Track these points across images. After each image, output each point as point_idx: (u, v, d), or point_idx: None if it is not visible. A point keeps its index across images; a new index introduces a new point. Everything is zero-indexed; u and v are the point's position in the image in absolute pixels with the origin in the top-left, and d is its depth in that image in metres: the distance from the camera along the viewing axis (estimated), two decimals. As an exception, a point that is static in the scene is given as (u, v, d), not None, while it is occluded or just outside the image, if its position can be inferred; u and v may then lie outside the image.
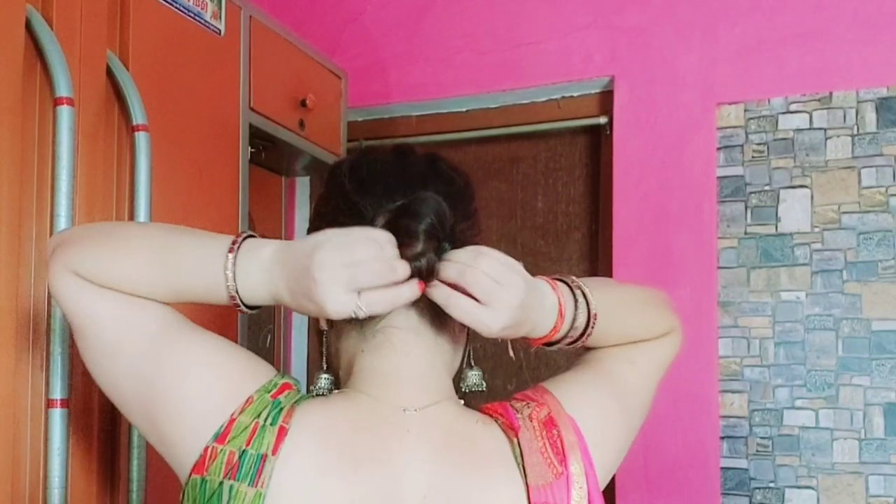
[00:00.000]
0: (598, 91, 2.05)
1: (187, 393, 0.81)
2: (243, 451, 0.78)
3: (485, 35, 2.09)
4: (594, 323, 0.89)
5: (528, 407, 0.89)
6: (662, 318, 1.03)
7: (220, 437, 0.79)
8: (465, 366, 0.94)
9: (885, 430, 1.70)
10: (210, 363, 0.83)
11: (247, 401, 0.81)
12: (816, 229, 1.78)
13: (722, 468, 1.81)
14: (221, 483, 0.77)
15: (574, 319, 0.88)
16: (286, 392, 0.83)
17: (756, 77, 1.84)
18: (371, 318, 0.85)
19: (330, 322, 0.90)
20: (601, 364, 0.97)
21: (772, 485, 1.77)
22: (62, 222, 1.11)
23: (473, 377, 0.94)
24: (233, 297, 0.81)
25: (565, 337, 0.89)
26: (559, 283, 0.90)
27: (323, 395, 0.90)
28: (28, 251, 1.10)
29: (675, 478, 1.83)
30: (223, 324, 0.90)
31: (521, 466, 0.83)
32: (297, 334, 2.26)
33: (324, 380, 0.91)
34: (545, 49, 2.04)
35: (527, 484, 0.81)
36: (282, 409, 0.81)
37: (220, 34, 1.51)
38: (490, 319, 0.80)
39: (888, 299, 1.72)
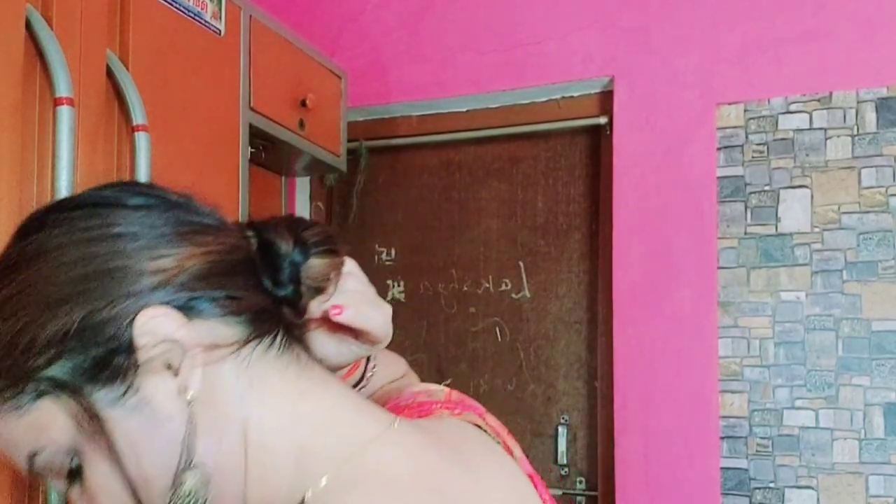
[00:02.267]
0: (598, 91, 2.05)
1: None
2: None
3: (485, 35, 2.09)
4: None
5: (439, 392, 0.76)
6: None
7: None
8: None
9: (885, 430, 1.70)
10: None
11: None
12: (816, 229, 1.78)
13: (722, 468, 1.81)
14: None
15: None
16: None
17: (756, 77, 1.84)
18: None
19: None
20: None
21: (772, 485, 1.76)
22: (62, 222, 1.11)
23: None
24: None
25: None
26: None
27: None
28: (28, 251, 1.10)
29: (675, 478, 1.83)
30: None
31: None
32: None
33: None
34: (545, 49, 2.04)
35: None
36: None
37: (220, 34, 1.51)
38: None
39: (888, 299, 1.72)
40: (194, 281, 0.54)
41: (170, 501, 0.54)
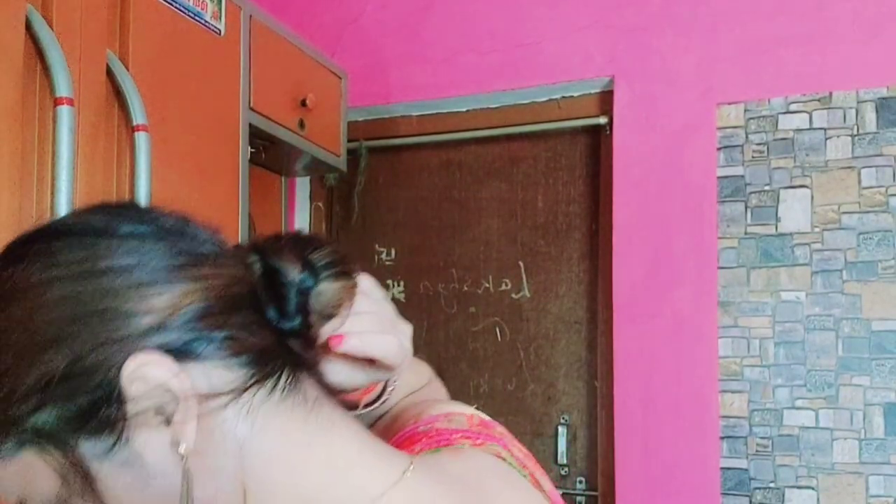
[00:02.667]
0: (598, 91, 2.05)
1: None
2: None
3: (485, 35, 2.09)
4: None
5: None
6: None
7: None
8: None
9: (885, 430, 1.70)
10: None
11: None
12: (816, 229, 1.78)
13: (722, 468, 1.80)
14: None
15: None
16: None
17: (756, 77, 1.84)
18: None
19: None
20: None
21: (772, 485, 1.76)
22: (62, 222, 1.11)
23: None
24: None
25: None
26: None
27: None
28: (28, 251, 1.10)
29: (675, 478, 1.83)
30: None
31: None
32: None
33: None
34: (545, 49, 2.04)
35: None
36: None
37: (220, 34, 1.51)
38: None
39: (888, 299, 1.72)
40: (191, 322, 0.49)
41: None
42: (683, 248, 1.87)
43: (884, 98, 1.75)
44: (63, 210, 1.11)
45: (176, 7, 1.39)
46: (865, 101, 1.77)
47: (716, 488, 1.80)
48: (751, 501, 1.78)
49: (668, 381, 1.86)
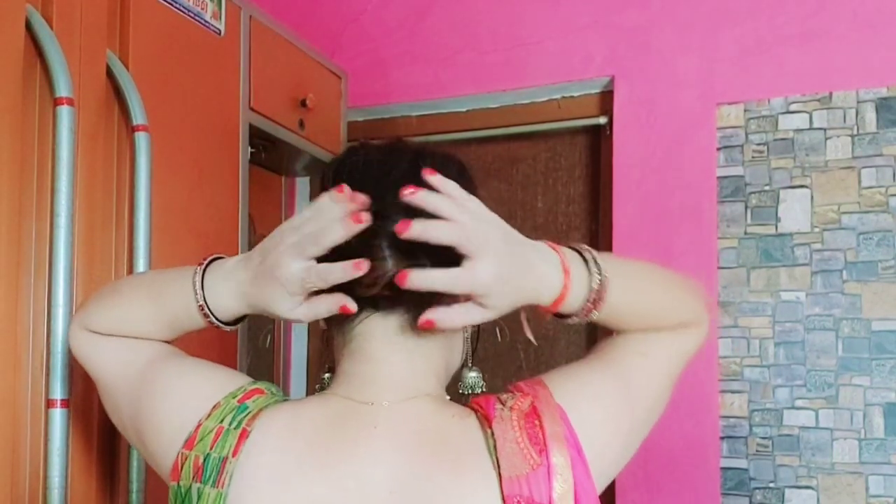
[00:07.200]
0: (598, 91, 2.05)
1: (165, 410, 0.86)
2: (207, 454, 0.81)
3: (485, 35, 2.09)
4: (607, 286, 0.83)
5: (513, 398, 0.84)
6: (686, 304, 0.94)
7: (188, 443, 0.82)
8: (463, 367, 0.95)
9: (885, 430, 1.70)
10: (186, 382, 0.88)
11: (213, 407, 0.84)
12: (816, 229, 1.78)
13: (722, 468, 1.81)
14: (190, 487, 0.81)
15: (589, 283, 0.82)
16: (255, 397, 0.84)
17: (756, 77, 1.84)
18: (348, 323, 0.85)
19: (328, 324, 0.90)
20: (609, 354, 0.92)
21: (772, 485, 1.77)
22: (62, 222, 1.11)
23: (471, 378, 0.95)
24: (201, 308, 0.85)
25: (581, 308, 0.83)
26: (561, 246, 0.85)
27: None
28: (28, 251, 1.10)
29: (675, 478, 1.83)
30: (222, 333, 0.90)
31: (494, 458, 0.79)
32: (296, 335, 2.26)
33: (326, 380, 0.91)
34: (545, 49, 2.04)
35: (499, 475, 0.77)
36: (248, 412, 0.82)
37: (220, 34, 1.51)
38: (479, 265, 0.77)
39: (888, 299, 1.72)
40: None
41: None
42: (683, 249, 1.87)
43: (884, 98, 1.76)
44: (63, 210, 1.11)
45: (176, 7, 1.39)
46: (865, 101, 1.77)
47: (716, 488, 1.80)
48: (751, 501, 1.78)
49: (668, 381, 1.86)
